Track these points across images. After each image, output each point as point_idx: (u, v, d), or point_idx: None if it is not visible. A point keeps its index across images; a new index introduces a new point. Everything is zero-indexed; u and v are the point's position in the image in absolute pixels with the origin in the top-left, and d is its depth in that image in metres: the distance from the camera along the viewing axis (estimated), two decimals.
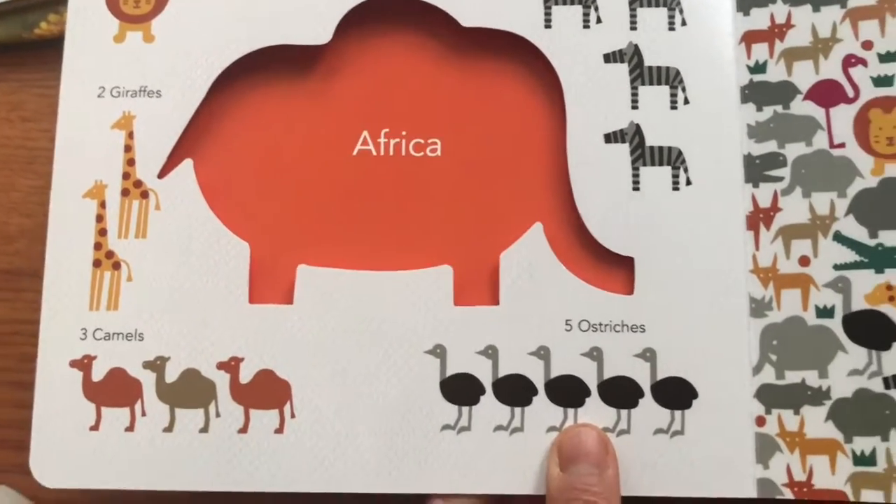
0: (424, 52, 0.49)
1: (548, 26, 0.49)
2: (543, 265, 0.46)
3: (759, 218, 0.46)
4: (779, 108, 0.47)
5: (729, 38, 0.49)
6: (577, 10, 0.49)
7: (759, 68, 0.48)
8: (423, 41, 0.50)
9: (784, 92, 0.48)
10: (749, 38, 0.48)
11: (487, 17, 0.49)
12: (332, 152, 0.48)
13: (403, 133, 0.48)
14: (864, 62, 0.47)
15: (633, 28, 0.49)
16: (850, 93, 0.47)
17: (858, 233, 0.46)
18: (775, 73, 0.48)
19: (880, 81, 0.47)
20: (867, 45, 0.47)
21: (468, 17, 0.49)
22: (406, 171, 0.48)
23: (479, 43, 0.49)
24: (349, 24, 0.49)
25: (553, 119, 0.48)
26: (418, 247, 0.47)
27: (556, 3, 0.49)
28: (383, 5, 0.49)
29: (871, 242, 0.45)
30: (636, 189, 0.47)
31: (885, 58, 0.47)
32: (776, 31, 0.48)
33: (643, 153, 0.47)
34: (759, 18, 0.49)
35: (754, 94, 0.48)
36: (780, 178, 0.47)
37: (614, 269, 0.47)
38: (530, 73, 0.49)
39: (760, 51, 0.48)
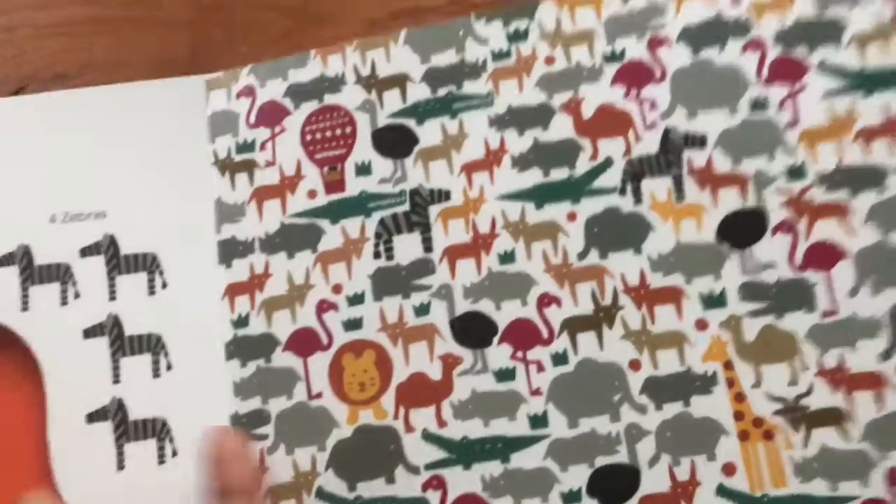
0: None
1: (25, 309, 0.45)
2: None
3: None
4: (261, 363, 0.45)
5: (213, 294, 0.46)
6: (55, 287, 0.46)
7: (241, 322, 0.45)
8: None
9: (265, 345, 0.45)
10: (232, 292, 0.46)
11: None
12: None
13: None
14: (335, 306, 0.45)
15: (113, 298, 0.46)
16: (325, 339, 0.45)
17: (338, 487, 0.43)
18: (257, 325, 0.45)
19: (350, 325, 0.45)
20: (337, 288, 0.45)
21: None
22: None
23: None
24: None
25: (34, 403, 0.45)
26: None
27: (33, 283, 0.46)
28: None
29: (351, 496, 0.43)
30: (121, 468, 0.44)
31: (353, 300, 0.45)
32: (256, 282, 0.46)
33: (126, 429, 0.44)
34: (241, 270, 0.46)
35: (238, 349, 0.45)
36: (265, 437, 0.44)
37: None
38: (9, 358, 0.46)
39: (243, 303, 0.46)
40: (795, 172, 0.42)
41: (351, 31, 0.49)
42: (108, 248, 0.47)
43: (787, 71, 0.43)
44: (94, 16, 0.52)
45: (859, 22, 0.43)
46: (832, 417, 0.39)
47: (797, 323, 0.40)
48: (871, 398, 0.39)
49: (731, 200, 0.42)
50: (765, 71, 0.43)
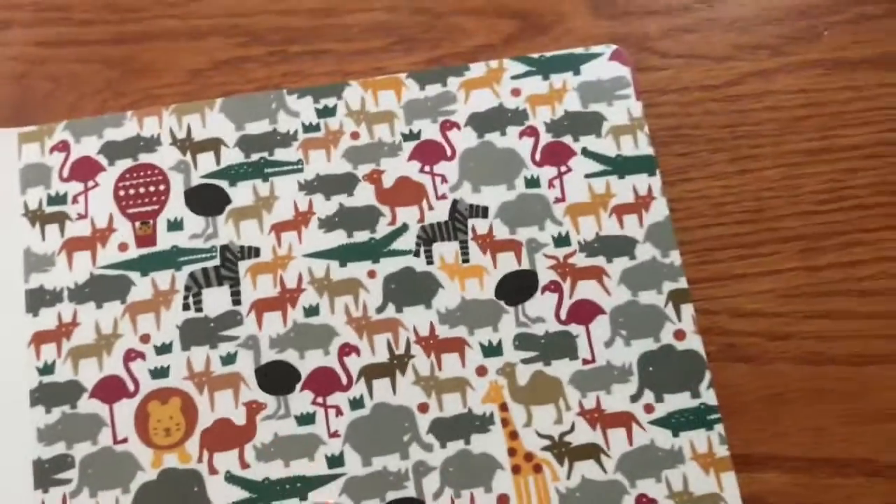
0: None
1: None
2: None
3: None
4: (66, 409, 0.45)
5: (18, 341, 0.46)
6: None
7: (48, 369, 0.46)
8: None
9: (71, 391, 0.45)
10: (38, 339, 0.46)
11: None
12: None
13: None
14: (142, 356, 0.46)
15: None
16: (131, 387, 0.46)
17: None
18: (63, 372, 0.46)
19: (157, 373, 0.46)
20: (145, 338, 0.46)
21: None
22: None
23: None
24: None
25: None
26: None
27: None
28: None
29: None
30: None
31: (161, 350, 0.46)
32: (63, 331, 0.46)
33: None
34: (48, 318, 0.46)
35: (43, 395, 0.45)
36: (68, 481, 0.44)
37: None
38: None
39: (49, 351, 0.46)
40: (561, 240, 0.48)
41: (173, 81, 0.51)
42: None
43: (556, 154, 0.49)
44: None
45: (615, 117, 0.50)
46: (591, 452, 0.45)
47: (562, 369, 0.46)
48: (624, 434, 0.45)
49: (508, 263, 0.48)
50: (538, 154, 0.49)
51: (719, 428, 0.44)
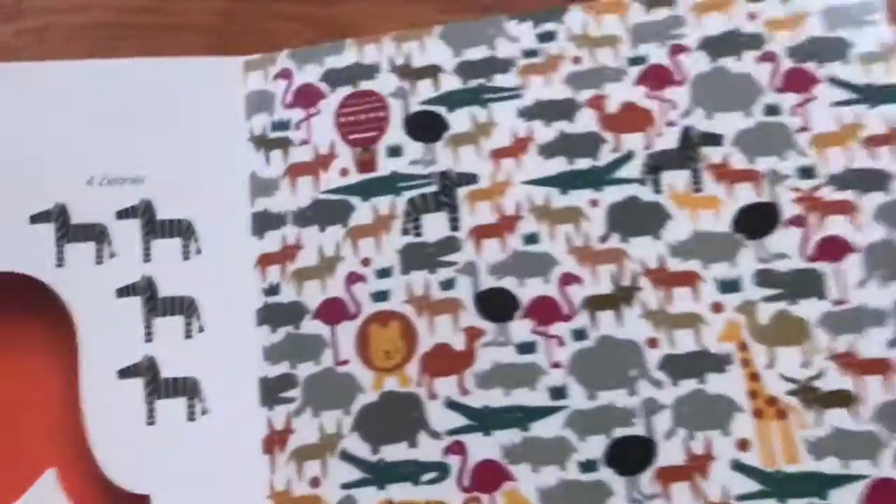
0: None
1: (60, 265, 0.42)
2: None
3: (274, 441, 0.41)
4: (290, 329, 0.42)
5: (244, 263, 0.44)
6: (90, 246, 0.43)
7: (272, 290, 0.43)
8: None
9: (295, 312, 0.43)
10: (264, 261, 0.43)
11: None
12: None
13: None
14: (363, 279, 0.43)
15: (148, 260, 0.43)
16: (353, 309, 0.42)
17: (362, 450, 0.41)
18: (287, 293, 0.43)
19: (377, 297, 0.42)
20: (366, 261, 0.43)
21: None
22: None
23: None
24: None
25: (67, 358, 0.42)
26: None
27: (69, 241, 0.43)
28: None
29: (374, 458, 0.40)
30: (151, 423, 0.41)
31: (381, 273, 0.43)
32: (287, 253, 0.43)
33: (158, 386, 0.41)
34: (273, 241, 0.44)
35: (268, 316, 0.43)
36: (292, 399, 0.41)
37: None
38: (44, 313, 0.43)
39: (274, 273, 0.43)
40: (806, 172, 0.41)
41: None
42: (144, 213, 0.44)
43: (798, 82, 0.42)
44: (122, 21, 0.49)
45: (863, 43, 0.42)
46: (843, 399, 0.38)
47: (809, 309, 0.39)
48: (880, 383, 0.38)
49: (745, 194, 0.41)
50: (777, 80, 0.42)
51: None
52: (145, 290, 0.43)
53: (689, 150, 0.42)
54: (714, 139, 0.42)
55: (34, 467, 0.41)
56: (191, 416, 0.42)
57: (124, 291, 0.43)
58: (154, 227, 0.44)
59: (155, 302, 0.43)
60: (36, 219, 0.44)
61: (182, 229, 0.44)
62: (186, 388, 0.42)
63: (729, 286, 0.40)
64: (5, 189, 0.44)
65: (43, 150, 0.45)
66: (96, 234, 0.44)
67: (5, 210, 0.44)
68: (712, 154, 0.42)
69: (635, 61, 0.44)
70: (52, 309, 0.43)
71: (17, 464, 0.41)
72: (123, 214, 0.44)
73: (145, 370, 0.42)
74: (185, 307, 0.43)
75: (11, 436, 0.42)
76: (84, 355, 0.42)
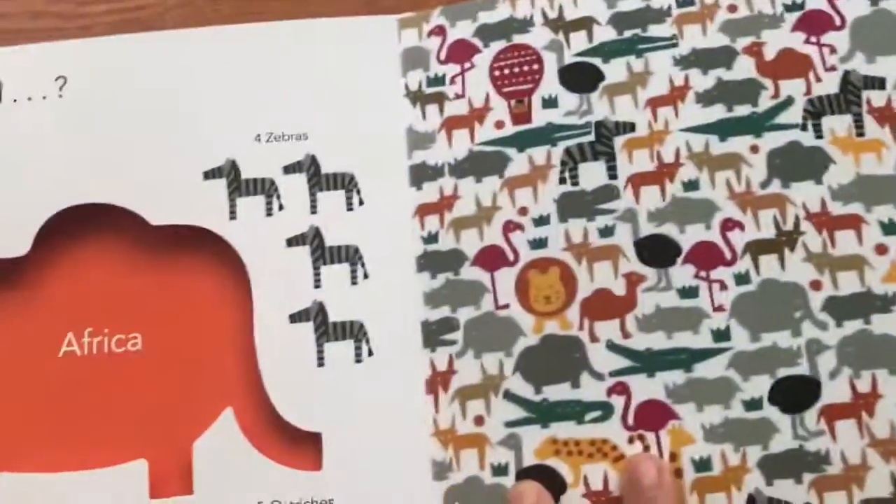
0: (120, 253, 0.46)
1: (233, 217, 0.45)
2: (234, 450, 0.42)
3: (437, 381, 0.43)
4: (450, 275, 0.44)
5: (404, 213, 0.45)
6: (260, 199, 0.45)
7: (431, 238, 0.45)
8: (117, 243, 0.46)
9: (454, 259, 0.44)
10: (422, 211, 0.45)
11: (175, 215, 0.45)
12: (38, 356, 0.44)
13: (106, 331, 0.45)
14: (521, 227, 0.44)
15: (314, 212, 0.45)
16: (511, 256, 0.44)
17: (525, 390, 0.42)
18: (446, 241, 0.44)
19: (536, 244, 0.43)
20: (523, 210, 0.44)
21: (156, 216, 0.45)
22: (108, 368, 0.44)
23: (169, 238, 0.45)
24: (47, 234, 0.45)
25: (241, 305, 0.44)
26: (116, 443, 0.43)
27: (240, 195, 0.45)
28: (77, 213, 0.45)
29: (537, 398, 0.42)
30: (321, 365, 0.43)
31: (539, 222, 0.44)
32: (445, 203, 0.45)
33: (327, 329, 0.43)
34: (430, 192, 0.45)
35: (428, 262, 0.44)
36: (454, 342, 0.43)
37: (303, 446, 0.42)
38: (219, 263, 0.45)
39: (432, 222, 0.45)
40: None
41: None
42: (309, 167, 0.46)
43: None
44: None
45: None
46: None
47: None
48: None
49: None
50: None
51: None
52: (313, 240, 0.45)
53: (850, 94, 0.42)
54: (876, 82, 0.42)
55: (214, 406, 0.43)
56: (358, 358, 0.44)
57: (293, 241, 0.45)
58: (319, 180, 0.46)
59: (322, 251, 0.45)
60: (209, 175, 0.46)
61: (345, 181, 0.46)
62: (353, 332, 0.44)
63: (893, 228, 0.40)
64: (180, 148, 0.46)
65: (213, 110, 0.47)
66: (265, 187, 0.46)
67: (181, 167, 0.46)
68: (874, 98, 0.42)
69: (792, 7, 0.44)
70: (226, 259, 0.45)
71: (199, 403, 0.44)
72: (290, 169, 0.46)
73: (315, 315, 0.44)
74: (350, 255, 0.45)
75: (192, 378, 0.44)
76: (257, 302, 0.44)
